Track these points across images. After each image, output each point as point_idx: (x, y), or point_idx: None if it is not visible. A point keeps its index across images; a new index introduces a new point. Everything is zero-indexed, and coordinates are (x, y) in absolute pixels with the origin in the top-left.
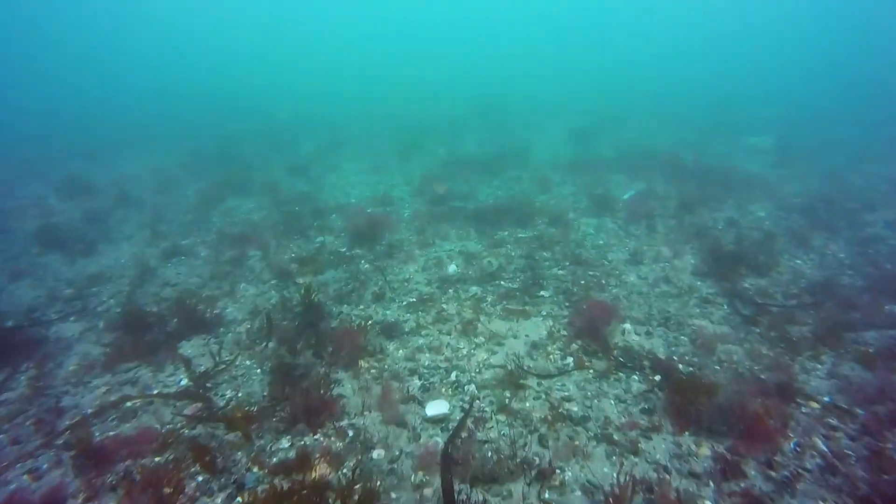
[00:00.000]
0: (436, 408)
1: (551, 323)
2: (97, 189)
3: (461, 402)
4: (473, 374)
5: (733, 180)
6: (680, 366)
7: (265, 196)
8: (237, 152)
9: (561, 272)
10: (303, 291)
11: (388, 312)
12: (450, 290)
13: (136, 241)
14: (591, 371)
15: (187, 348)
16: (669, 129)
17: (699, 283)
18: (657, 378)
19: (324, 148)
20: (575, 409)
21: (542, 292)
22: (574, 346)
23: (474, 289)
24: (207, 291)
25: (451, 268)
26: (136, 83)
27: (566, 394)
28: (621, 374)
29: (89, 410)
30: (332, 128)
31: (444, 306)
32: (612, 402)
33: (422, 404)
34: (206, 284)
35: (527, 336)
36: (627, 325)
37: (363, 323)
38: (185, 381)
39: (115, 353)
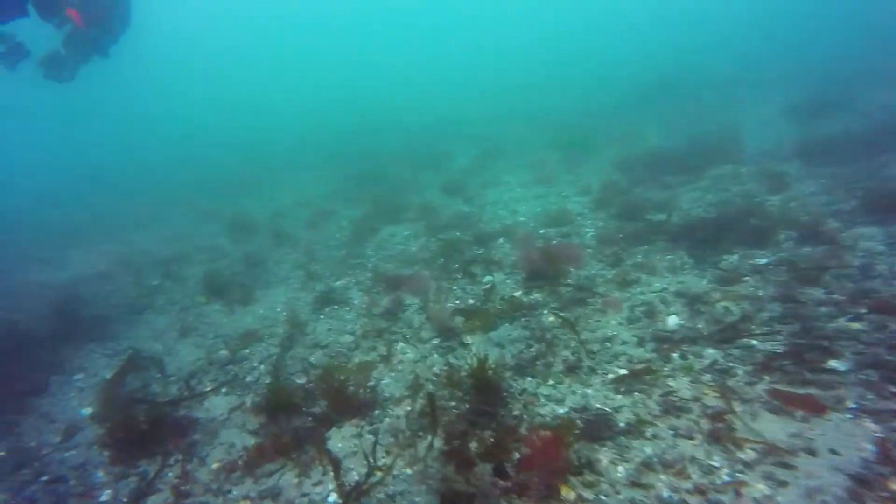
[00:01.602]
0: None
1: (874, 428)
2: (257, 227)
3: None
4: None
5: None
6: None
7: (420, 221)
8: (383, 172)
9: (855, 325)
10: (475, 365)
11: (588, 393)
12: (674, 356)
13: (291, 284)
14: None
15: (337, 440)
16: None
17: None
18: None
19: (477, 159)
20: None
21: (831, 362)
22: None
23: (711, 353)
24: (360, 355)
25: (671, 319)
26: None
27: None
28: None
29: None
30: (479, 136)
31: (671, 383)
32: None
33: None
34: (359, 345)
35: (833, 453)
36: None
37: (556, 416)
38: (333, 499)
39: (257, 452)
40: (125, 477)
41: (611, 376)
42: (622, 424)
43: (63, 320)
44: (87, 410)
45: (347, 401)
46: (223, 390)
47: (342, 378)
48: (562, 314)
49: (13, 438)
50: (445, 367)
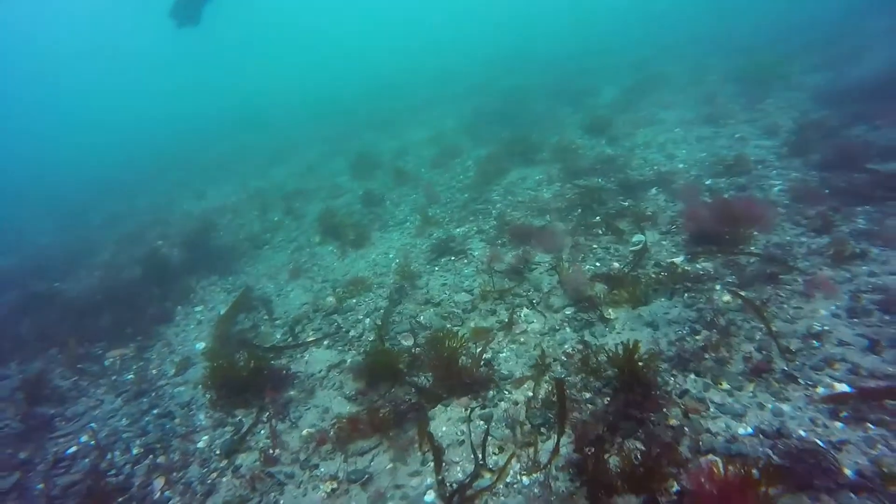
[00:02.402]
0: None
1: None
2: (382, 164)
3: None
4: None
5: None
6: None
7: (556, 163)
8: (522, 109)
9: None
10: (621, 351)
11: (784, 410)
12: None
13: (407, 228)
14: None
15: (441, 422)
16: None
17: None
18: None
19: (628, 92)
20: None
21: None
22: None
23: None
24: (476, 319)
25: None
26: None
27: None
28: None
29: None
30: (635, 64)
31: None
32: None
33: None
34: (476, 307)
35: None
36: None
37: (734, 437)
38: (431, 499)
39: (350, 424)
40: (222, 425)
41: (822, 391)
42: (850, 473)
43: (193, 250)
44: (201, 345)
45: (458, 375)
46: (325, 342)
47: (454, 345)
48: (742, 293)
49: (142, 364)
50: (580, 347)
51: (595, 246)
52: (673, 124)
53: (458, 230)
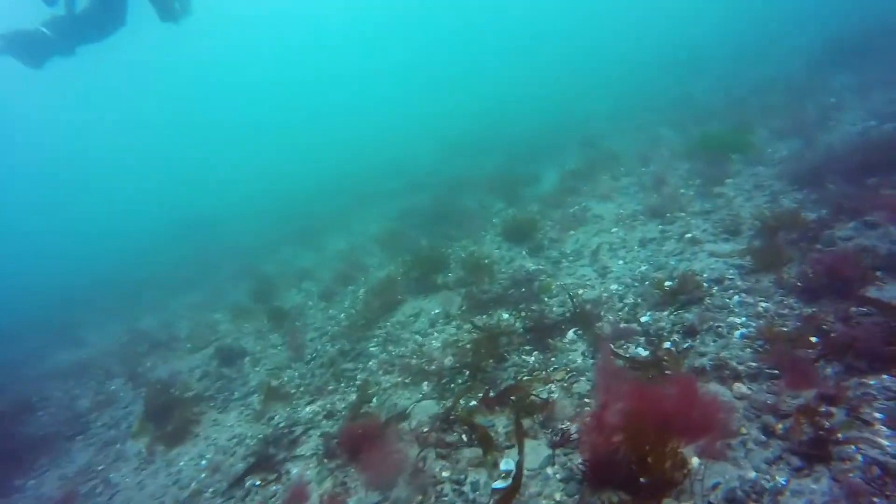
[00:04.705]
0: None
1: None
2: (276, 293)
3: None
4: None
5: None
6: None
7: (461, 288)
8: (452, 206)
9: None
10: None
11: None
12: None
13: (251, 405)
14: None
15: None
16: None
17: None
18: None
19: (571, 176)
20: None
21: None
22: None
23: None
24: None
25: None
26: None
27: None
28: None
29: None
30: (586, 141)
31: None
32: None
33: None
34: None
35: None
36: None
37: None
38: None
39: None
40: None
41: None
42: None
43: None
44: None
45: None
46: None
47: None
48: None
49: None
50: None
51: (446, 475)
52: (612, 221)
53: (307, 409)
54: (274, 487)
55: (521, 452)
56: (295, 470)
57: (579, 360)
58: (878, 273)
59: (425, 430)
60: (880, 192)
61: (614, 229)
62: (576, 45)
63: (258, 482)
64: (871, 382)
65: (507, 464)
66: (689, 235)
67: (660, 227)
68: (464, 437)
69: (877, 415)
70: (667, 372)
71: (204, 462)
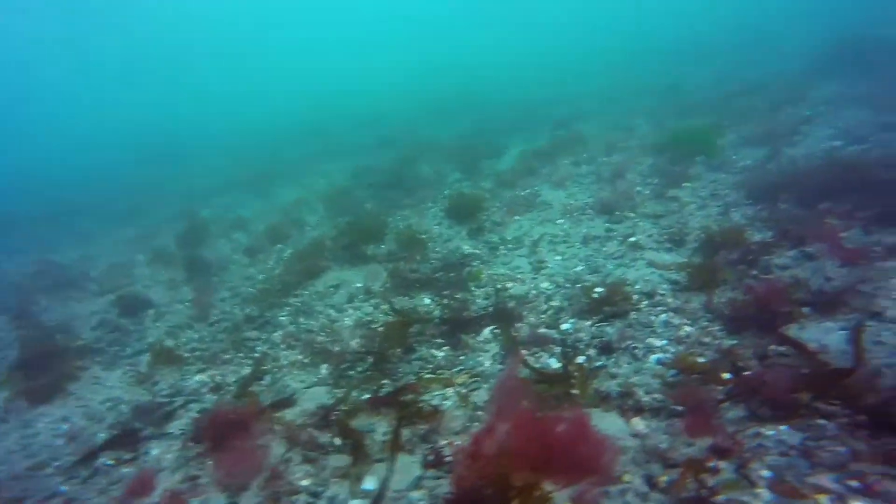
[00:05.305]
0: None
1: None
2: (206, 240)
3: None
4: None
5: None
6: None
7: (390, 263)
8: (410, 171)
9: None
10: None
11: None
12: None
13: (139, 365)
14: None
15: None
16: None
17: None
18: None
19: (532, 156)
20: None
21: None
22: None
23: None
24: None
25: None
26: None
27: None
28: None
29: None
30: (560, 122)
31: None
32: None
33: None
34: None
35: None
36: None
37: None
38: None
39: None
40: None
41: None
42: None
43: None
44: None
45: None
46: None
47: None
48: None
49: None
50: None
51: (305, 483)
52: (560, 211)
53: (195, 378)
54: (125, 470)
55: (390, 469)
56: (155, 451)
57: (487, 364)
58: (805, 310)
59: (300, 423)
60: (826, 221)
61: (560, 220)
62: (586, 28)
63: (111, 461)
64: (769, 433)
65: (371, 482)
66: (633, 239)
67: (606, 224)
68: (336, 440)
69: (764, 472)
70: (573, 391)
71: (65, 426)
